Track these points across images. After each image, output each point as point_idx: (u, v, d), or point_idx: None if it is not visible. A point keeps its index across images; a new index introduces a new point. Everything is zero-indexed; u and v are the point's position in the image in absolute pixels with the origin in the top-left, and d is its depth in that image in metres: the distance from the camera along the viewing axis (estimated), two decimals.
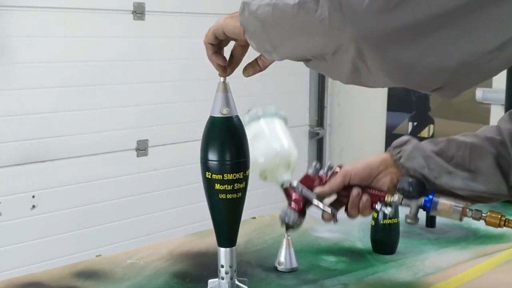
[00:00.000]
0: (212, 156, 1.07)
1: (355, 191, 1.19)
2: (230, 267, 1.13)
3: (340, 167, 1.23)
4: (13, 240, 2.96)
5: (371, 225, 1.46)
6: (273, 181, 1.29)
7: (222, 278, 1.14)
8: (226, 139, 1.08)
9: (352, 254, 1.45)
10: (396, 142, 1.22)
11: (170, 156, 3.49)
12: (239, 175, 1.07)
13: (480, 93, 3.41)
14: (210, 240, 1.33)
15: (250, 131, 1.20)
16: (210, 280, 1.18)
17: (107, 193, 3.27)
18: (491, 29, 0.65)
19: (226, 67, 1.04)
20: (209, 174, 1.07)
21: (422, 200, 1.14)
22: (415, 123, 3.95)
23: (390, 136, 4.06)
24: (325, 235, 1.58)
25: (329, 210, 1.21)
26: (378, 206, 1.18)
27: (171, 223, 3.45)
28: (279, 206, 4.13)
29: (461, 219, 1.13)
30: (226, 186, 1.07)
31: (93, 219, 3.22)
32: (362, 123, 4.26)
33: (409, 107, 3.94)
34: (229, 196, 1.08)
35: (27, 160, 2.98)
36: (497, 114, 3.21)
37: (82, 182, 3.17)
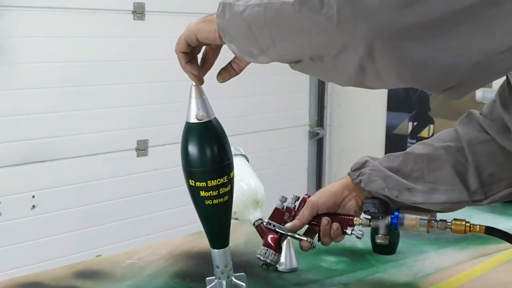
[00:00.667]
0: (194, 164, 1.03)
1: (324, 221, 1.23)
2: (226, 266, 1.13)
3: (308, 196, 1.28)
4: (13, 240, 2.96)
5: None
6: (245, 220, 1.31)
7: (219, 278, 1.14)
8: (205, 145, 1.03)
9: (352, 254, 1.45)
10: (354, 164, 1.28)
11: (170, 156, 3.48)
12: (223, 179, 1.04)
13: (480, 93, 3.41)
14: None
15: None
16: (207, 278, 1.18)
17: (107, 193, 3.27)
18: (506, 27, 0.63)
19: (200, 75, 1.01)
20: (192, 182, 1.05)
21: (389, 218, 1.19)
22: (415, 123, 3.95)
23: (390, 136, 4.06)
24: None
25: (305, 238, 1.24)
26: (348, 230, 1.22)
27: (171, 223, 3.45)
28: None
29: (428, 231, 1.18)
30: (211, 192, 1.04)
31: (93, 219, 3.22)
32: (362, 123, 4.25)
33: (409, 107, 3.94)
34: (215, 201, 1.05)
35: (27, 160, 2.98)
36: None
37: (82, 182, 3.17)
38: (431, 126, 3.87)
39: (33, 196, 3.01)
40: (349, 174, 1.27)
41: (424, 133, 3.91)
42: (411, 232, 1.59)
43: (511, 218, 1.72)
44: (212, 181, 1.03)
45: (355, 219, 1.22)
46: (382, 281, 1.31)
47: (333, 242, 1.26)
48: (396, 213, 1.18)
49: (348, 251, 1.47)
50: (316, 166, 4.45)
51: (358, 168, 1.26)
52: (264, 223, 1.27)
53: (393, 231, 1.45)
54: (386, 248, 1.45)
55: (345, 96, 4.29)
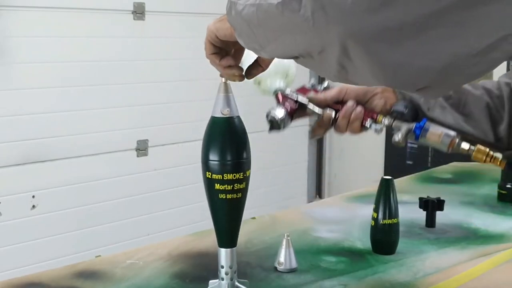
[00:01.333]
0: (212, 156, 1.07)
1: (350, 102, 1.18)
2: (230, 268, 1.13)
3: None
4: (13, 240, 2.97)
5: (371, 225, 1.46)
6: (266, 89, 1.23)
7: (222, 279, 1.14)
8: (226, 139, 1.08)
9: (352, 254, 1.45)
10: None
11: (170, 156, 3.49)
12: (239, 175, 1.07)
13: None
14: (210, 240, 1.33)
15: None
16: (211, 281, 1.18)
17: (107, 193, 3.27)
18: (477, 31, 0.63)
19: (240, 72, 1.02)
20: (209, 174, 1.08)
21: (413, 125, 1.12)
22: None
23: (390, 136, 4.06)
24: (324, 235, 1.58)
25: (326, 111, 1.17)
26: (368, 122, 1.16)
27: (171, 223, 3.45)
28: (279, 206, 4.15)
29: (448, 150, 1.11)
30: (226, 186, 1.07)
31: (93, 219, 3.22)
32: None
33: None
34: (229, 196, 1.08)
35: (27, 160, 2.98)
36: None
37: (82, 182, 3.18)
38: None
39: (33, 196, 3.01)
40: None
41: None
42: (411, 232, 1.59)
43: (511, 218, 1.72)
44: (228, 174, 1.07)
45: (379, 115, 1.15)
46: (382, 281, 1.31)
47: (347, 132, 1.20)
48: (422, 122, 1.10)
49: (347, 251, 1.47)
50: (316, 166, 4.45)
51: None
52: (286, 93, 1.20)
53: (393, 231, 1.45)
54: (385, 248, 1.45)
55: None
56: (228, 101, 1.08)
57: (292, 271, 1.35)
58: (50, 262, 2.86)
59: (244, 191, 1.09)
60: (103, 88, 3.21)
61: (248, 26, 0.83)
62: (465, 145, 1.10)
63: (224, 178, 1.07)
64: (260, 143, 3.84)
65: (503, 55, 0.66)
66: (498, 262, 1.41)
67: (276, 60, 1.17)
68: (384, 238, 1.45)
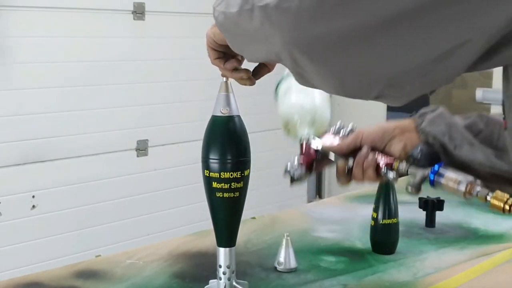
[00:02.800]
0: (211, 154, 1.08)
1: (364, 149, 1.10)
2: (228, 267, 1.14)
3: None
4: (13, 240, 2.97)
5: (371, 225, 1.46)
6: (294, 136, 1.23)
7: (220, 278, 1.14)
8: (224, 138, 1.09)
9: (351, 254, 1.45)
10: (422, 110, 1.13)
11: (170, 156, 3.49)
12: (237, 174, 1.08)
13: (480, 93, 3.41)
14: (210, 240, 1.33)
15: (282, 87, 1.22)
16: (211, 281, 1.18)
17: (107, 193, 3.27)
18: (429, 40, 0.62)
19: (248, 75, 1.03)
20: (207, 172, 1.09)
21: (429, 170, 1.02)
22: None
23: None
24: (324, 235, 1.59)
25: (340, 160, 1.12)
26: (383, 170, 1.08)
27: (171, 223, 3.45)
28: (279, 206, 4.16)
29: (465, 197, 0.98)
30: (223, 184, 1.08)
31: (93, 219, 3.22)
32: (362, 123, 4.24)
33: (409, 107, 3.91)
34: (226, 194, 1.08)
35: (27, 160, 2.98)
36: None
37: (82, 182, 3.17)
38: None
39: (33, 196, 3.01)
40: (411, 116, 1.13)
41: None
42: (411, 232, 1.59)
43: (511, 218, 1.72)
44: (225, 173, 1.07)
45: (395, 161, 1.07)
46: (382, 281, 1.31)
47: (364, 182, 1.12)
48: (436, 166, 1.01)
49: (347, 251, 1.47)
50: None
51: (425, 113, 1.12)
52: (310, 141, 1.18)
53: (392, 231, 1.45)
54: (385, 248, 1.45)
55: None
56: (228, 100, 1.09)
57: (292, 271, 1.35)
58: (50, 262, 2.86)
59: (242, 191, 1.10)
60: (103, 88, 3.21)
61: (225, 32, 0.86)
62: (483, 191, 0.96)
63: (222, 177, 1.08)
64: (260, 143, 3.85)
65: (461, 64, 0.64)
66: (498, 262, 1.41)
67: (300, 106, 1.21)
68: (384, 238, 1.46)
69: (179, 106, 3.52)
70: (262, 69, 1.03)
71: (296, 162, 1.15)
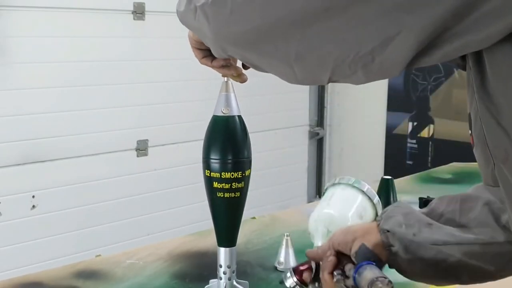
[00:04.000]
0: (211, 154, 1.08)
1: (328, 252, 1.07)
2: (228, 267, 1.14)
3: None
4: (13, 240, 2.97)
5: None
6: (312, 239, 1.31)
7: (220, 278, 1.14)
8: (225, 138, 1.09)
9: None
10: (386, 208, 1.11)
11: (170, 156, 3.49)
12: (237, 174, 1.08)
13: None
14: (210, 240, 1.34)
15: (330, 191, 1.34)
16: (211, 280, 1.18)
17: (107, 193, 3.27)
18: (358, 35, 0.65)
19: (238, 71, 1.05)
20: (208, 172, 1.09)
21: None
22: (415, 123, 3.95)
23: (390, 136, 4.06)
24: None
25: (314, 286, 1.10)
26: (335, 272, 1.04)
27: (171, 223, 3.45)
28: (279, 206, 4.14)
29: None
30: (224, 184, 1.08)
31: (93, 219, 3.22)
32: (362, 123, 4.26)
33: (409, 107, 3.94)
34: (227, 195, 1.08)
35: (27, 160, 2.98)
36: None
37: (82, 182, 3.17)
38: (431, 126, 3.88)
39: (33, 196, 3.01)
40: (377, 217, 1.12)
41: (424, 133, 3.91)
42: None
43: None
44: (226, 173, 1.07)
45: (346, 264, 1.04)
46: None
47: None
48: (360, 264, 1.00)
49: None
50: (316, 166, 4.45)
51: (385, 210, 1.10)
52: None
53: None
54: None
55: (345, 96, 4.30)
56: (228, 100, 1.09)
57: None
58: (50, 262, 2.86)
59: (242, 191, 1.10)
60: (103, 88, 3.21)
61: (190, 29, 0.90)
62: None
63: (222, 177, 1.08)
64: (260, 143, 3.85)
65: (399, 57, 0.65)
66: None
67: (316, 216, 1.29)
68: None
69: (179, 106, 3.52)
70: (236, 69, 1.06)
71: (290, 274, 1.11)
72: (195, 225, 3.04)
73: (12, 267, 2.78)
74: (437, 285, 1.06)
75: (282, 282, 1.13)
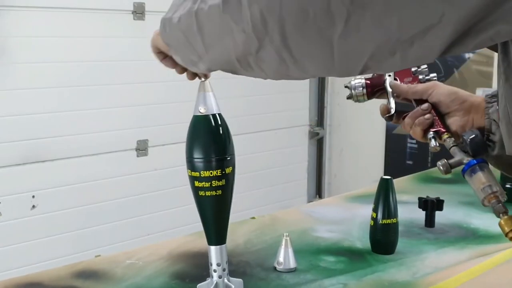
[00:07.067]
0: (190, 154, 1.12)
1: (425, 105, 1.09)
2: (218, 265, 1.15)
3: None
4: (13, 240, 2.97)
5: (370, 225, 1.46)
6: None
7: (212, 277, 1.15)
8: (200, 137, 1.12)
9: (351, 254, 1.45)
10: (495, 91, 1.05)
11: (170, 156, 3.49)
12: (216, 172, 1.09)
13: (480, 93, 3.41)
14: None
15: None
16: (208, 278, 1.19)
17: (107, 193, 3.27)
18: (401, 21, 0.67)
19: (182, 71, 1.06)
20: (189, 172, 1.12)
21: (467, 160, 1.00)
22: None
23: (390, 136, 4.06)
24: (324, 235, 1.59)
25: (392, 104, 1.13)
26: (430, 134, 1.06)
27: (171, 223, 3.45)
28: (279, 206, 4.15)
29: (483, 202, 0.99)
30: (203, 183, 1.10)
31: (93, 219, 3.22)
32: (362, 123, 4.26)
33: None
34: (208, 193, 1.10)
35: (27, 160, 2.98)
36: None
37: (82, 182, 3.17)
38: None
39: (33, 196, 3.01)
40: (484, 96, 1.09)
41: None
42: (410, 232, 1.59)
43: None
44: (204, 172, 1.10)
45: (446, 133, 1.05)
46: (381, 280, 1.31)
47: (410, 133, 1.11)
48: (475, 161, 0.99)
49: (347, 251, 1.47)
50: (316, 166, 4.45)
51: (495, 95, 1.04)
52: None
53: (392, 231, 1.46)
54: (385, 248, 1.46)
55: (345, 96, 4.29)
56: (204, 99, 1.11)
57: (291, 271, 1.35)
58: (50, 262, 2.86)
59: (224, 189, 1.11)
60: (103, 88, 3.21)
61: (185, 37, 0.87)
62: (499, 208, 0.97)
63: (201, 175, 1.10)
64: (260, 143, 3.86)
65: (437, 44, 0.68)
66: (497, 262, 1.41)
67: None
68: (384, 238, 1.46)
69: (179, 106, 3.51)
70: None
71: (360, 81, 1.15)
72: (195, 225, 3.02)
73: (12, 267, 2.79)
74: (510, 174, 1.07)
75: (347, 87, 1.16)
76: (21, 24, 2.89)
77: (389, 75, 1.15)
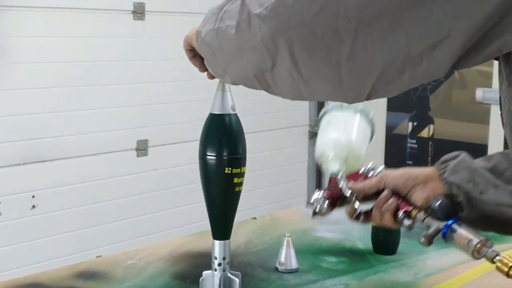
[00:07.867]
0: (233, 151, 1.14)
1: (385, 192, 1.12)
2: (224, 259, 1.17)
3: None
4: (13, 240, 2.96)
5: (372, 225, 1.46)
6: (326, 169, 1.25)
7: (215, 270, 1.16)
8: (239, 134, 1.15)
9: (352, 255, 1.45)
10: (445, 156, 1.13)
11: (170, 156, 3.49)
12: (237, 170, 1.13)
13: (480, 93, 3.41)
14: (210, 240, 1.33)
15: (324, 119, 1.25)
16: (204, 272, 1.20)
17: (107, 193, 3.27)
18: (409, 37, 0.68)
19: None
20: (228, 169, 1.13)
21: (443, 224, 1.03)
22: (415, 123, 3.94)
23: (390, 136, 4.06)
24: (325, 235, 1.58)
25: (356, 205, 1.14)
26: (401, 216, 1.09)
27: (171, 223, 3.45)
28: (279, 206, 4.15)
29: (473, 255, 1.01)
30: (241, 179, 1.14)
31: (93, 219, 3.22)
32: None
33: (409, 107, 3.94)
34: (240, 188, 1.14)
35: (27, 160, 2.97)
36: (497, 114, 3.20)
37: (82, 182, 3.17)
38: (431, 126, 3.87)
39: (33, 196, 3.01)
40: (435, 165, 1.13)
41: (424, 133, 3.91)
42: (412, 233, 1.59)
43: None
44: (244, 167, 1.14)
45: (414, 209, 1.08)
46: (383, 281, 1.31)
47: (380, 222, 1.14)
48: (450, 221, 1.02)
49: (348, 252, 1.47)
50: (316, 166, 4.45)
51: (447, 160, 1.11)
52: (338, 177, 1.19)
53: (394, 231, 1.45)
54: (386, 248, 1.45)
55: None
56: (222, 99, 1.15)
57: (293, 271, 1.35)
58: (50, 262, 2.86)
59: (240, 186, 1.15)
60: (103, 88, 3.21)
61: (211, 50, 0.92)
62: (491, 253, 1.00)
63: (242, 171, 1.13)
64: (260, 143, 3.85)
65: (446, 59, 0.69)
66: None
67: (336, 142, 1.24)
68: (385, 238, 1.46)
69: (179, 106, 3.51)
70: None
71: (321, 196, 1.17)
72: (195, 225, 3.04)
73: (12, 267, 2.78)
74: (485, 231, 1.07)
75: (312, 211, 1.17)
76: (21, 24, 2.89)
77: (342, 181, 1.17)
